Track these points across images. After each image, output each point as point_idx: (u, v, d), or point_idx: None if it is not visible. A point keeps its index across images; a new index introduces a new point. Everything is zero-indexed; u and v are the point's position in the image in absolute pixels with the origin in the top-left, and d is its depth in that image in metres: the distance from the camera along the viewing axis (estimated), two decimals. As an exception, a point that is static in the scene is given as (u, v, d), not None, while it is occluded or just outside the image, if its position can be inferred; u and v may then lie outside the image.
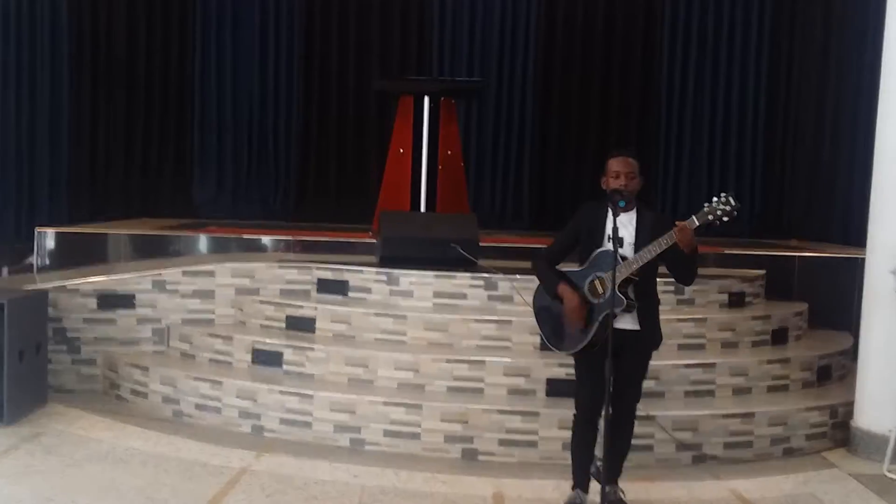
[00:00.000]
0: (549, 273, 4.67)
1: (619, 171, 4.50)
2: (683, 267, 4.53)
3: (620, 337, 4.33)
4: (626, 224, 4.46)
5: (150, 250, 7.86)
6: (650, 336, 4.60)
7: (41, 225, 7.99)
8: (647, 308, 4.53)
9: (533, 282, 4.79)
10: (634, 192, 4.51)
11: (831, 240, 9.33)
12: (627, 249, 4.43)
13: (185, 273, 6.85)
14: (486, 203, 10.63)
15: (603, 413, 4.41)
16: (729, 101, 10.75)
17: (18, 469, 4.93)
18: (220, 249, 7.96)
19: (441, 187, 8.43)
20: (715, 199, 4.34)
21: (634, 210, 4.53)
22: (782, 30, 10.62)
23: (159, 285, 6.80)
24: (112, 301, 6.72)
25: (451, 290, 6.50)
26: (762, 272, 7.36)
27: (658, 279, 4.62)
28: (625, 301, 4.37)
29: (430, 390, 5.84)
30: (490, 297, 6.47)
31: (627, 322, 4.45)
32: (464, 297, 6.49)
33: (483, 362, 5.88)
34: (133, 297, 6.76)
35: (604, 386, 4.43)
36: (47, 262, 7.77)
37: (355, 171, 10.78)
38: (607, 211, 4.52)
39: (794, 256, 7.97)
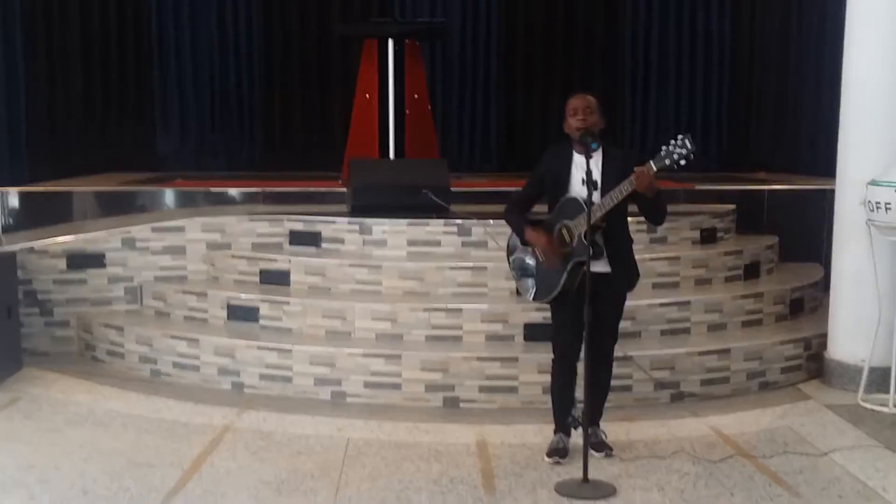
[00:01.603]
0: (518, 220, 4.66)
1: (576, 107, 4.46)
2: (649, 210, 4.52)
3: (593, 281, 4.31)
4: (592, 165, 4.37)
5: (117, 207, 7.74)
6: (622, 278, 4.59)
7: (2, 185, 7.83)
8: (619, 250, 4.52)
9: (506, 225, 4.77)
10: (596, 127, 4.45)
11: (798, 171, 9.39)
12: (595, 193, 4.36)
13: (154, 229, 6.77)
14: (454, 147, 10.57)
15: (581, 356, 4.45)
16: (694, 37, 10.72)
17: (-2, 436, 4.90)
18: (189, 203, 7.85)
19: (409, 132, 8.37)
20: (672, 141, 4.31)
21: (600, 150, 4.47)
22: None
23: (129, 243, 6.72)
24: (82, 261, 6.64)
25: (424, 238, 6.47)
26: (732, 207, 7.40)
27: (631, 218, 4.61)
28: (591, 250, 4.31)
29: (408, 340, 5.84)
30: (464, 244, 6.45)
31: (599, 265, 4.42)
32: (438, 244, 6.46)
33: (460, 310, 5.88)
34: (103, 255, 6.67)
35: (580, 330, 4.46)
36: (11, 222, 7.63)
37: (321, 117, 10.68)
38: (571, 154, 4.50)
39: (764, 190, 8.01)
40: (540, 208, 4.72)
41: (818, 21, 9.15)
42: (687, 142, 4.27)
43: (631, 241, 4.67)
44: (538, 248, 4.55)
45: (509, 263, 4.80)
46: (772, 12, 10.18)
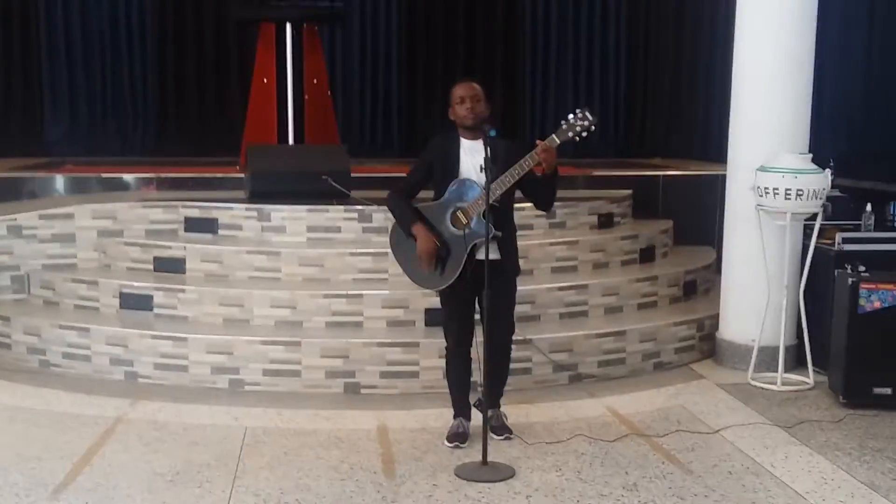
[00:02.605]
0: (404, 208, 4.58)
1: (463, 95, 4.46)
2: (543, 190, 4.50)
3: (483, 267, 4.32)
4: (478, 151, 4.39)
5: (3, 193, 7.43)
6: (511, 264, 4.59)
7: None
8: (507, 236, 4.52)
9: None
10: (481, 116, 4.46)
11: (692, 156, 9.63)
12: (482, 178, 4.34)
13: (42, 216, 6.53)
14: (355, 133, 10.48)
15: (477, 342, 4.46)
16: (591, 22, 10.85)
17: None
18: (79, 190, 7.59)
19: (308, 118, 8.25)
20: (571, 115, 4.35)
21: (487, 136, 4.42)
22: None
23: (15, 231, 6.47)
24: (-35, 249, 6.38)
25: (324, 224, 6.41)
26: (629, 192, 7.53)
27: (516, 205, 4.62)
28: (492, 230, 4.32)
29: (308, 327, 5.78)
30: (365, 230, 6.40)
31: (487, 252, 4.38)
32: (338, 230, 6.41)
33: (361, 296, 5.84)
34: (-13, 244, 6.42)
35: (471, 317, 4.51)
36: None
37: (217, 102, 10.44)
38: (458, 141, 4.50)
39: (659, 176, 8.18)
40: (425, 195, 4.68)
41: (711, 6, 9.37)
42: (587, 114, 4.32)
43: (516, 229, 4.65)
44: (420, 248, 4.44)
45: (395, 254, 4.69)
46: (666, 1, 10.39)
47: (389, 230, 4.73)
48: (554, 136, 4.31)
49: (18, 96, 9.96)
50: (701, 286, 6.91)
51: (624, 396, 5.42)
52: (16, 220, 6.47)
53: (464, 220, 4.44)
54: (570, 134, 4.32)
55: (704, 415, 5.08)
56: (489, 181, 4.26)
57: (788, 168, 5.49)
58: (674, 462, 4.40)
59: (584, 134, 4.33)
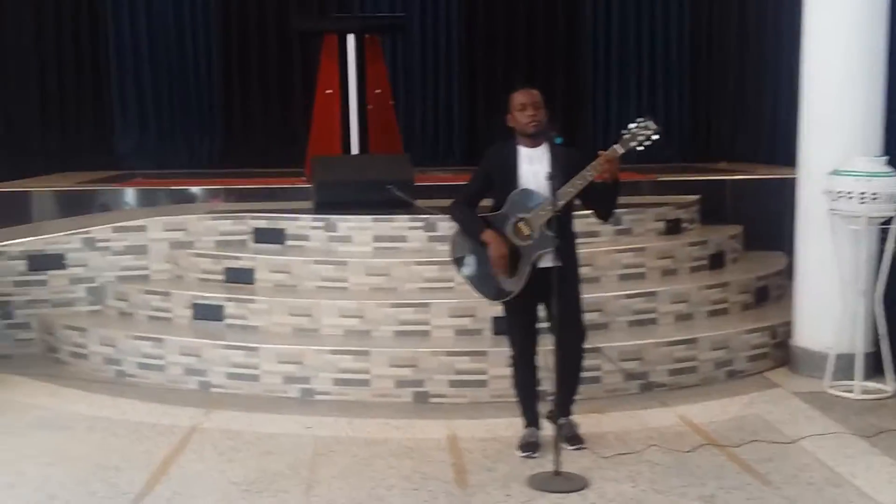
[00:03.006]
0: (469, 216, 4.53)
1: (524, 102, 4.40)
2: (605, 199, 4.44)
3: (546, 276, 4.29)
4: (538, 159, 4.37)
5: (77, 207, 7.64)
6: (572, 271, 4.53)
7: (-41, 187, 7.69)
8: (567, 244, 4.46)
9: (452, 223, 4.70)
10: (543, 122, 4.41)
11: (759, 159, 9.49)
12: (544, 187, 4.32)
13: (115, 229, 6.66)
14: (417, 140, 10.54)
15: (548, 349, 4.42)
16: (653, 29, 10.79)
17: (-41, 443, 4.80)
18: (149, 202, 7.76)
19: (372, 127, 8.31)
20: (633, 124, 4.30)
21: (545, 144, 4.41)
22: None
23: (89, 243, 6.61)
24: (42, 262, 6.52)
25: (390, 234, 6.44)
26: (697, 197, 7.43)
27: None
28: (556, 239, 4.28)
29: (376, 336, 5.81)
30: (430, 238, 6.41)
31: (549, 260, 4.35)
32: (404, 239, 6.43)
33: (428, 305, 5.85)
34: (63, 256, 6.56)
35: (535, 325, 4.48)
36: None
37: (281, 113, 10.60)
38: (516, 150, 4.45)
39: (727, 180, 8.08)
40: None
41: (775, 5, 9.22)
42: (650, 123, 4.26)
43: (575, 235, 4.60)
44: (493, 253, 4.36)
45: (463, 272, 4.61)
46: (730, 1, 10.24)
47: (450, 242, 4.68)
48: (616, 145, 4.26)
49: (89, 111, 10.20)
50: (773, 292, 6.78)
51: (697, 405, 5.34)
52: (90, 233, 6.61)
53: (526, 231, 4.40)
54: (633, 143, 4.27)
55: (781, 424, 4.98)
56: (555, 190, 4.22)
57: (862, 171, 5.38)
58: (751, 473, 4.32)
59: (648, 143, 4.28)
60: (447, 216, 6.22)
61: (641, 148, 4.29)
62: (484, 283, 4.53)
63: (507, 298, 4.50)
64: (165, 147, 10.43)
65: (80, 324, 6.24)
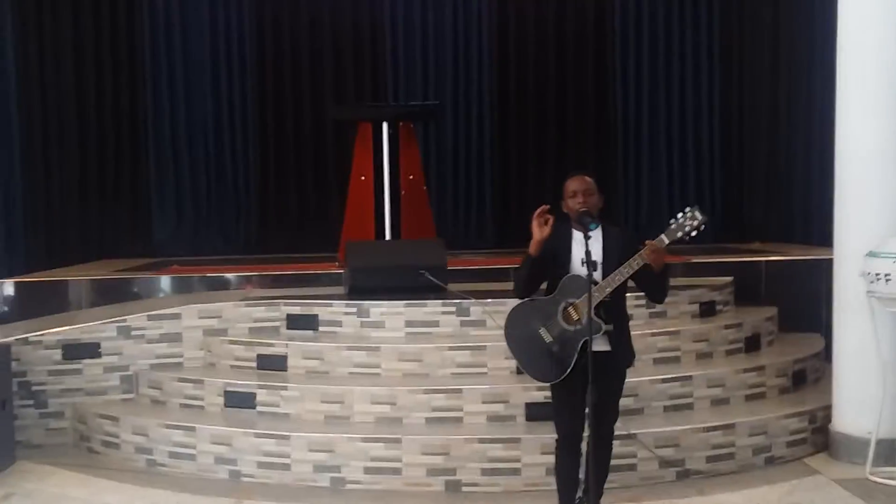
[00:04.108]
0: (525, 275, 4.51)
1: (576, 189, 4.49)
2: (655, 286, 4.52)
3: (594, 359, 4.26)
4: (592, 244, 4.38)
5: (113, 294, 7.71)
6: (623, 356, 4.56)
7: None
8: (619, 328, 4.49)
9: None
10: (595, 209, 4.49)
11: (793, 240, 9.42)
12: (597, 270, 4.37)
13: (150, 317, 6.70)
14: (448, 224, 10.56)
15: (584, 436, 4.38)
16: (683, 109, 10.82)
17: (-10, 534, 4.79)
18: (184, 288, 7.83)
19: (405, 213, 8.38)
20: (680, 214, 4.34)
21: (599, 228, 4.48)
22: (731, 34, 10.71)
23: (124, 331, 6.65)
24: (77, 351, 6.56)
25: (422, 319, 6.43)
26: (730, 279, 7.37)
27: (627, 293, 4.59)
28: (602, 326, 4.32)
29: (408, 423, 5.77)
30: (462, 323, 6.41)
31: (599, 344, 4.36)
32: (436, 324, 6.42)
33: (460, 390, 5.81)
34: (98, 345, 6.60)
35: (583, 411, 4.41)
36: (6, 310, 7.59)
37: (316, 199, 10.69)
38: (571, 233, 4.50)
39: (761, 261, 8.01)
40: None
41: (807, 89, 9.25)
42: (697, 213, 4.31)
43: (628, 318, 4.64)
44: (538, 237, 4.35)
45: (509, 344, 4.65)
46: (761, 82, 10.29)
47: (504, 326, 4.66)
48: (663, 235, 4.30)
49: (127, 200, 10.36)
50: (810, 375, 6.66)
51: (735, 494, 5.22)
52: (125, 321, 6.67)
53: (575, 317, 4.41)
54: (680, 234, 4.30)
55: (823, 513, 4.86)
56: (591, 277, 4.24)
57: (899, 253, 5.32)
58: (793, 565, 4.20)
59: (694, 234, 4.31)
60: (480, 300, 6.31)
61: (688, 238, 4.30)
62: (533, 363, 4.55)
63: (553, 381, 4.49)
64: (201, 233, 10.56)
65: (112, 412, 6.26)
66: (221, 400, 6.15)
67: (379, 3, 10.74)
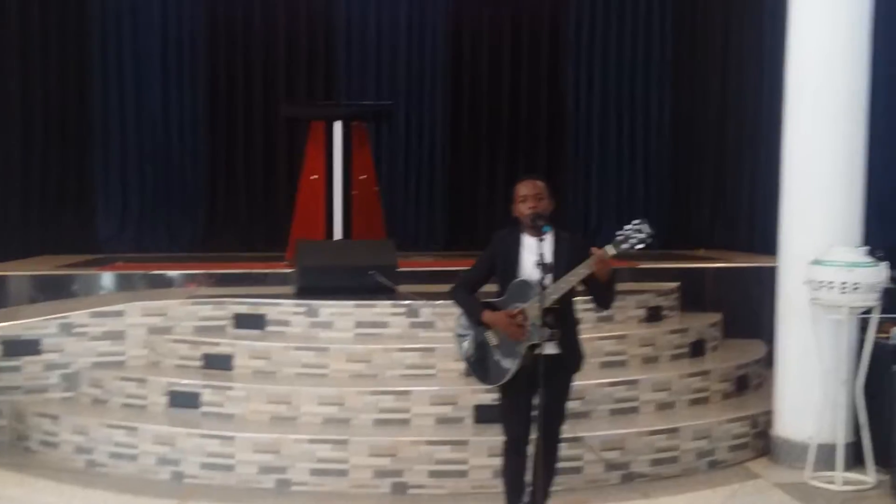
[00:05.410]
0: (469, 300, 4.58)
1: (525, 194, 4.48)
2: (601, 293, 4.53)
3: (543, 363, 4.27)
4: (544, 247, 4.41)
5: (55, 291, 7.55)
6: (571, 360, 4.57)
7: (-65, 269, 7.62)
8: (567, 332, 4.50)
9: (453, 307, 4.71)
10: (546, 212, 4.49)
11: (737, 248, 9.54)
12: (547, 276, 4.36)
13: (93, 314, 6.57)
14: (399, 225, 10.53)
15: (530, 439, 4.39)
16: (633, 117, 10.97)
17: (-78, 535, 4.66)
18: (129, 286, 7.70)
19: (356, 213, 8.36)
20: (628, 226, 4.34)
21: (552, 232, 4.50)
22: (683, 46, 10.87)
23: (66, 328, 6.51)
24: (16, 347, 6.41)
25: (372, 319, 6.41)
26: (677, 285, 7.45)
27: (575, 298, 4.60)
28: (549, 332, 4.31)
29: (355, 424, 5.73)
30: (412, 325, 6.40)
31: (549, 347, 4.35)
32: (385, 325, 6.40)
33: (409, 392, 5.79)
34: (38, 342, 6.45)
35: (531, 413, 4.41)
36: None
37: (265, 197, 10.60)
38: (520, 238, 4.51)
39: (706, 268, 8.11)
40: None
41: (755, 99, 9.39)
42: (644, 226, 4.31)
43: (577, 322, 4.65)
44: (500, 326, 4.41)
45: (461, 351, 4.64)
46: (710, 91, 10.43)
47: (456, 319, 4.67)
48: (609, 246, 4.30)
49: (72, 195, 10.16)
50: (753, 381, 6.76)
51: (679, 497, 5.28)
52: (67, 318, 6.53)
53: (522, 321, 4.40)
54: (625, 246, 4.30)
55: (764, 517, 4.93)
56: (543, 278, 4.24)
57: (843, 261, 5.42)
58: (734, 568, 4.25)
59: (640, 246, 4.32)
60: (430, 301, 6.30)
61: (633, 250, 4.32)
62: (480, 367, 4.55)
63: (499, 383, 4.48)
64: (146, 230, 10.39)
65: (51, 411, 6.12)
66: (165, 399, 6.05)
67: (334, 1, 10.68)
